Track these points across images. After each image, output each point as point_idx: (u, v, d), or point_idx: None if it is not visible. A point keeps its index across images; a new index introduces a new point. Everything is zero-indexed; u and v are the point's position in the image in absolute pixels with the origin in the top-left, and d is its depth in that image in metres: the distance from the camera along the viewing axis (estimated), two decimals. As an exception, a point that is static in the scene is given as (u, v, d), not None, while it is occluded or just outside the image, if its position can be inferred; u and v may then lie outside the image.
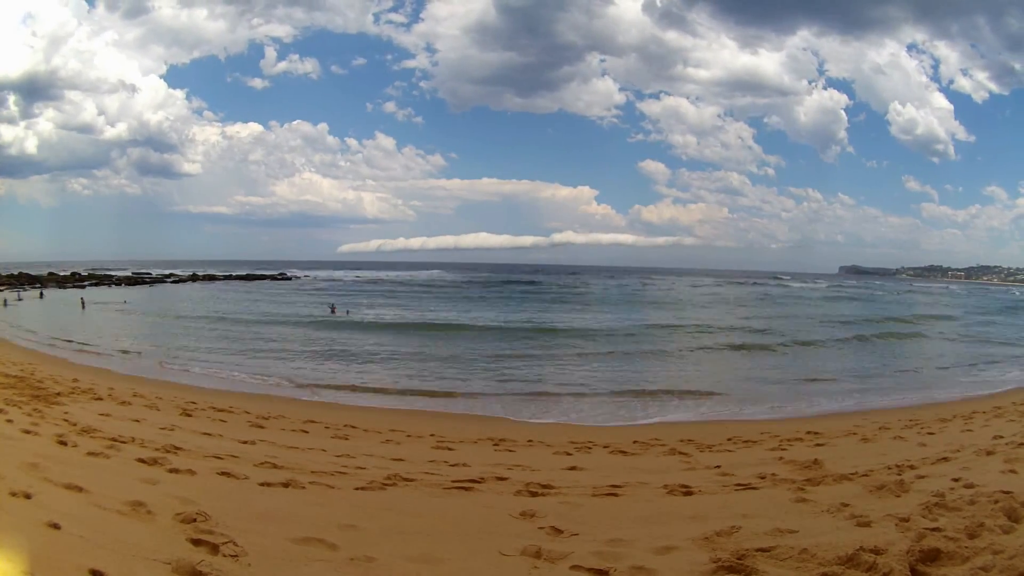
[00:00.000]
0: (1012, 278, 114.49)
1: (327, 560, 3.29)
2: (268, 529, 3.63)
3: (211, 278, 62.30)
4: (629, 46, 75.48)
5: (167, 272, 65.53)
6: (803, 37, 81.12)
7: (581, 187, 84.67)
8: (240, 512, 3.91)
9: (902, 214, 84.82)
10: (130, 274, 62.52)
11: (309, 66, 69.17)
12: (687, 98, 78.01)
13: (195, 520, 3.47)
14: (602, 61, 79.46)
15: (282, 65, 68.71)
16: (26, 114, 62.63)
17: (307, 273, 77.30)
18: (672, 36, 77.27)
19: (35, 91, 63.30)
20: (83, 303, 33.50)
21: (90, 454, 5.13)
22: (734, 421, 10.39)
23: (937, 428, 8.39)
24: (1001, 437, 6.97)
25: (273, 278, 67.81)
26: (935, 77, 72.63)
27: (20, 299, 36.57)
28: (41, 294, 40.74)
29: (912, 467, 5.69)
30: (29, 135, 63.08)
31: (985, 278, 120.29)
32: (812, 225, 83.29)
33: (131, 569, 2.74)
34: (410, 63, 72.81)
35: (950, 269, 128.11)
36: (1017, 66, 71.62)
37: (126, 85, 64.00)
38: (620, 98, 76.15)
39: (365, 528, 3.89)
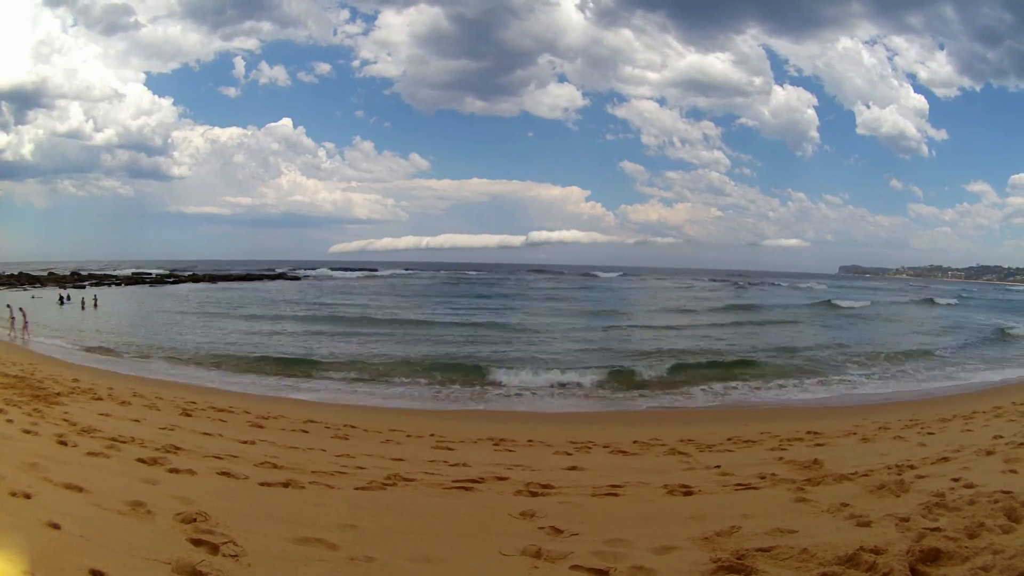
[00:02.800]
0: (1012, 278, 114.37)
1: (327, 560, 3.29)
2: (268, 529, 3.63)
3: (211, 279, 62.36)
4: (579, 50, 76.41)
5: (167, 272, 65.81)
6: (756, 36, 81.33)
7: (569, 187, 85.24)
8: (240, 512, 3.91)
9: (889, 213, 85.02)
10: (130, 274, 62.68)
11: (282, 75, 72.53)
12: (653, 100, 78.44)
13: (195, 520, 3.47)
14: (553, 67, 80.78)
15: (258, 75, 72.29)
16: (19, 120, 64.41)
17: (306, 273, 77.70)
18: (622, 39, 78.45)
19: (28, 99, 65.37)
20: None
21: (90, 454, 5.13)
22: (734, 421, 10.39)
23: (937, 428, 8.39)
24: (1001, 437, 6.96)
25: (272, 278, 67.99)
26: (905, 73, 72.32)
27: None
28: None
29: (912, 467, 5.69)
30: (23, 140, 64.67)
31: (985, 278, 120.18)
32: (800, 224, 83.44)
33: (131, 569, 2.74)
34: (372, 70, 75.84)
35: (950, 269, 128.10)
36: (991, 55, 71.16)
37: (113, 93, 65.88)
38: (582, 101, 77.39)
39: (365, 528, 3.89)
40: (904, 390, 14.01)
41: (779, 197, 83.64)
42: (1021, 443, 6.47)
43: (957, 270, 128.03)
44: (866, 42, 72.59)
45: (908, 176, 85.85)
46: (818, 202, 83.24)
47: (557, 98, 77.58)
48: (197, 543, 3.17)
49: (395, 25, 76.74)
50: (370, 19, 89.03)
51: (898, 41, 76.57)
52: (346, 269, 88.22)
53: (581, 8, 76.39)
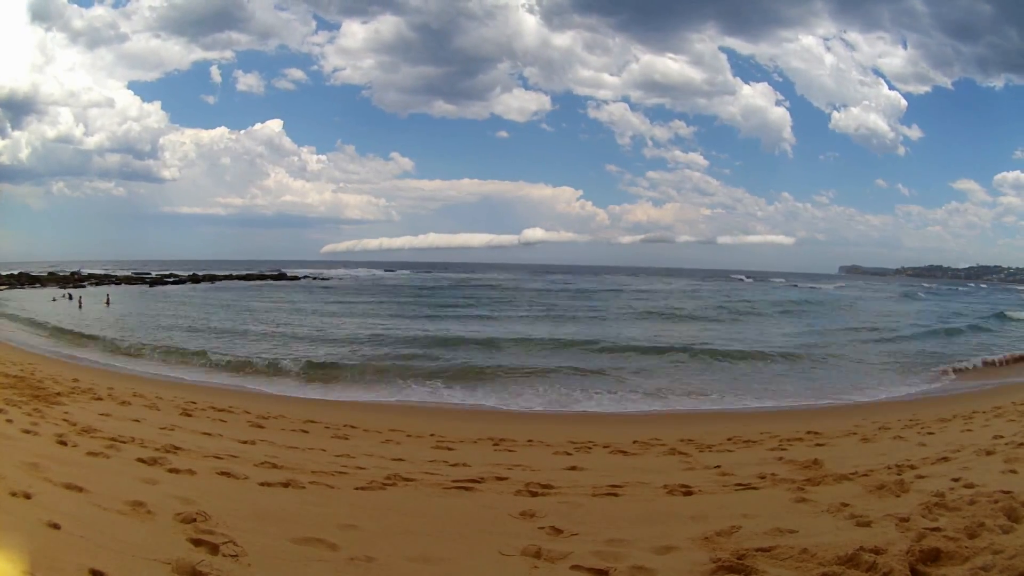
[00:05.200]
0: (1012, 278, 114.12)
1: (327, 560, 3.29)
2: (268, 529, 3.63)
3: (211, 279, 62.48)
4: (538, 54, 77.76)
5: (167, 272, 66.07)
6: (714, 36, 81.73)
7: (561, 187, 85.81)
8: (240, 512, 3.91)
9: (877, 212, 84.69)
10: (130, 274, 62.81)
11: (263, 82, 76.55)
12: (623, 102, 79.12)
13: (195, 520, 3.47)
14: (515, 71, 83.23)
15: (238, 83, 76.18)
16: (15, 126, 66.78)
17: (306, 273, 78.29)
18: (583, 42, 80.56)
19: (21, 106, 67.92)
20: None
21: (90, 454, 5.13)
22: (734, 421, 10.39)
23: (937, 428, 8.39)
24: (1001, 437, 6.96)
25: (274, 278, 68.27)
26: (877, 71, 71.69)
27: None
28: None
29: (912, 467, 5.69)
30: (20, 145, 66.77)
31: (985, 278, 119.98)
32: (791, 224, 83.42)
33: (131, 569, 2.74)
34: (343, 76, 79.43)
35: (950, 269, 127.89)
36: (965, 50, 70.62)
37: (103, 100, 68.77)
38: (551, 105, 79.50)
39: (365, 528, 3.89)
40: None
41: (765, 197, 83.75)
42: (1021, 443, 6.47)
43: (957, 270, 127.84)
44: (831, 39, 72.36)
45: (892, 175, 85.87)
46: (805, 201, 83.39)
47: (524, 101, 79.12)
48: (197, 543, 3.17)
49: (360, 34, 78.81)
50: (336, 27, 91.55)
51: (869, 38, 76.48)
52: (341, 269, 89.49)
53: (532, 11, 77.74)
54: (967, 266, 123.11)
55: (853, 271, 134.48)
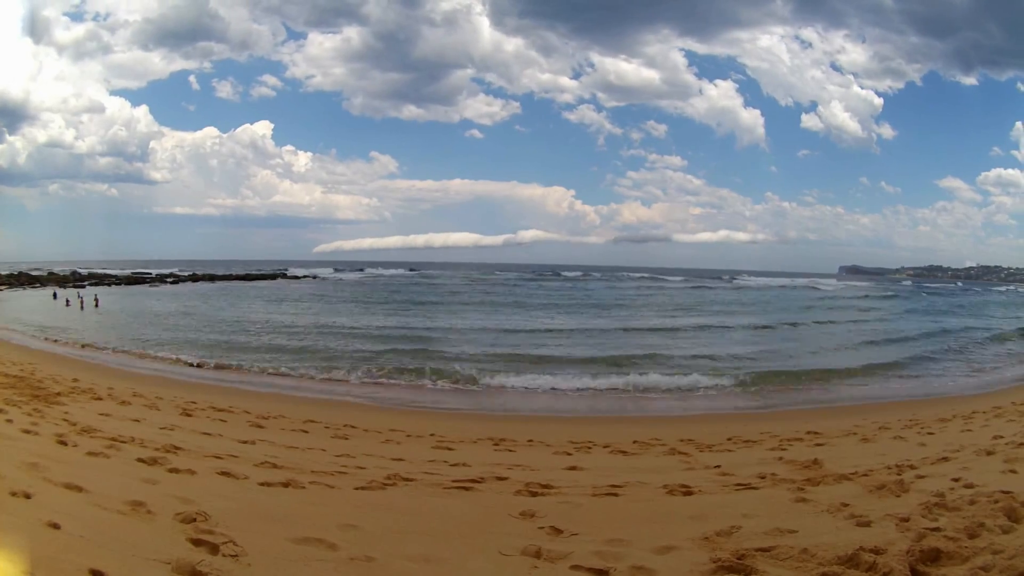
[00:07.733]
0: (1012, 278, 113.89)
1: (327, 560, 3.29)
2: (268, 529, 3.63)
3: (211, 278, 62.68)
4: (502, 60, 77.63)
5: (167, 272, 66.35)
6: (674, 37, 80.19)
7: (553, 187, 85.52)
8: (240, 512, 3.91)
9: (867, 211, 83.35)
10: (130, 274, 62.99)
11: (247, 88, 77.13)
12: (593, 103, 78.96)
13: (195, 520, 3.47)
14: (480, 76, 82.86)
15: (223, 89, 75.48)
16: (11, 131, 68.06)
17: (306, 273, 78.81)
18: (548, 46, 79.63)
19: (16, 112, 69.11)
20: None
21: (90, 454, 5.13)
22: (734, 421, 10.40)
23: (937, 428, 8.40)
24: (1001, 437, 6.97)
25: (272, 277, 68.56)
26: (843, 68, 70.53)
27: None
28: None
29: (912, 467, 5.69)
30: (14, 149, 68.01)
31: (985, 278, 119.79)
32: (781, 223, 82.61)
33: (131, 569, 2.74)
34: (317, 83, 78.56)
35: (950, 269, 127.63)
36: (940, 46, 69.19)
37: (94, 106, 70.35)
38: (519, 109, 78.41)
39: (365, 528, 3.89)
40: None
41: (752, 196, 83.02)
42: (1021, 443, 6.48)
43: (956, 270, 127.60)
44: (801, 38, 71.21)
45: (875, 173, 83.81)
46: (791, 200, 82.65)
47: (491, 106, 78.84)
48: (197, 543, 3.17)
49: (328, 44, 79.73)
50: (304, 36, 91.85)
51: (836, 35, 74.14)
52: (338, 269, 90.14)
53: (483, 15, 77.60)
54: (969, 265, 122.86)
55: (853, 271, 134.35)
